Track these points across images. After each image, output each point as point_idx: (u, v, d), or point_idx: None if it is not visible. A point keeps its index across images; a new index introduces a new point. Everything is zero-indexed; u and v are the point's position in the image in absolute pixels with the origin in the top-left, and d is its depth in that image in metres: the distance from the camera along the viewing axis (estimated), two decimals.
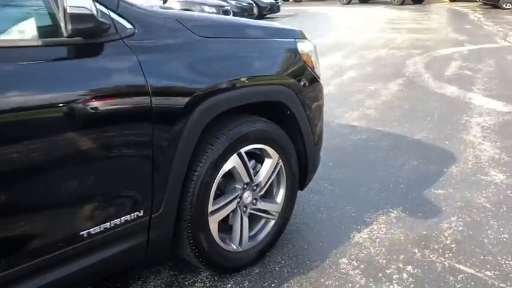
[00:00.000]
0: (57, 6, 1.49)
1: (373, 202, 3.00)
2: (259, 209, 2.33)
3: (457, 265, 2.34)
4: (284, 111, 2.32)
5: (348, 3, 26.99)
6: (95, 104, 1.58)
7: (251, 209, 2.29)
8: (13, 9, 1.87)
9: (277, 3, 18.90)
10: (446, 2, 26.65)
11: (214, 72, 1.98)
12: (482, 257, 2.40)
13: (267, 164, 2.29)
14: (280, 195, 2.41)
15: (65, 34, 1.49)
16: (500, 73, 6.96)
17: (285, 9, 21.24)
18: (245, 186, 2.22)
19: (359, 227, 2.71)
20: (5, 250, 1.49)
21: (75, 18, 1.44)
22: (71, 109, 1.52)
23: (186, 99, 1.83)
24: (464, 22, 15.18)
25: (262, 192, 2.32)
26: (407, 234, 2.63)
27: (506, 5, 19.85)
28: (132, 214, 1.77)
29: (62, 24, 1.48)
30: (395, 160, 3.71)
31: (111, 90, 1.63)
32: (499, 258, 2.39)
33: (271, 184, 2.37)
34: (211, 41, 2.02)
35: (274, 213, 2.40)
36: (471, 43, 10.09)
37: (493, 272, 2.28)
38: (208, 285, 2.21)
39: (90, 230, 1.66)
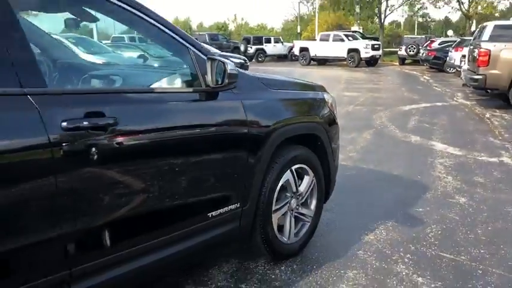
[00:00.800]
0: (209, 68, 2.38)
1: (372, 216, 3.91)
2: (300, 213, 3.20)
3: (441, 253, 3.26)
4: (317, 141, 3.25)
5: (308, 64, 28.93)
6: (221, 128, 2.47)
7: (295, 212, 3.16)
8: (164, 69, 2.76)
9: (246, 63, 20.31)
10: (397, 65, 29.19)
11: (281, 112, 2.92)
12: (457, 248, 3.34)
13: (306, 180, 3.19)
14: (313, 204, 3.30)
15: (211, 84, 2.39)
16: (452, 126, 8.26)
17: (252, 68, 22.71)
18: (292, 194, 3.10)
19: (366, 232, 3.61)
20: (169, 223, 2.31)
21: (231, 76, 2.35)
22: (209, 130, 2.41)
23: (267, 129, 2.74)
24: (416, 83, 17.00)
25: (302, 200, 3.20)
26: (402, 236, 3.55)
27: (450, 70, 22.14)
28: (235, 205, 2.61)
29: (209, 78, 2.38)
30: (382, 188, 4.68)
31: (228, 119, 2.54)
32: (469, 249, 3.33)
33: (307, 195, 3.26)
34: (278, 92, 2.96)
35: (308, 218, 3.27)
36: (425, 101, 11.55)
37: (466, 257, 3.21)
38: (267, 267, 3.02)
39: (213, 212, 2.49)
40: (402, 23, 64.90)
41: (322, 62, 29.43)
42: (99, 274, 2.00)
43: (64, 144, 1.78)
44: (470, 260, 3.16)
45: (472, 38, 21.06)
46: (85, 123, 1.87)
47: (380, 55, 28.49)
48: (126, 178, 2.05)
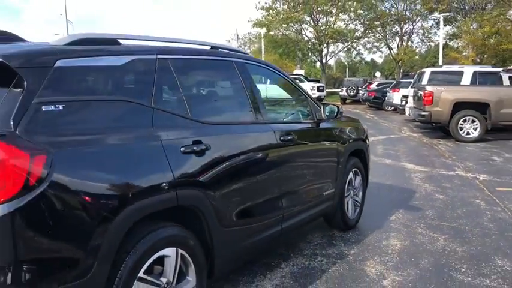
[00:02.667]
0: (322, 111, 4.16)
1: (388, 208, 5.75)
2: (355, 200, 4.98)
3: (441, 223, 5.15)
4: (361, 155, 5.07)
5: None
6: (325, 142, 4.26)
7: (353, 199, 4.94)
8: (289, 109, 4.51)
9: None
10: (339, 104, 32.12)
11: (351, 135, 4.74)
12: (449, 220, 5.25)
13: (358, 178, 4.99)
14: (361, 194, 5.09)
15: (324, 117, 4.18)
16: (411, 152, 10.47)
17: None
18: (352, 187, 4.88)
19: (388, 216, 5.43)
20: (308, 198, 4.01)
21: (339, 113, 4.15)
22: (319, 144, 4.19)
23: (344, 146, 4.54)
24: (364, 120, 19.54)
25: (356, 192, 4.99)
26: (413, 216, 5.41)
27: (388, 108, 25.14)
28: (332, 190, 4.36)
29: (324, 115, 4.16)
30: (385, 193, 6.56)
31: (328, 140, 4.33)
32: (456, 220, 5.25)
33: (358, 188, 5.04)
34: (348, 122, 4.80)
35: (358, 203, 5.06)
36: (379, 134, 13.84)
37: (456, 224, 5.12)
38: (340, 234, 4.74)
39: (325, 193, 4.23)
40: (334, 66, 70.13)
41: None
42: (288, 220, 3.67)
43: (280, 147, 3.50)
44: (458, 225, 5.08)
45: (404, 80, 24.31)
46: (288, 137, 3.60)
47: (324, 96, 31.36)
48: (288, 171, 3.71)
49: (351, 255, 4.21)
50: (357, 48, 41.38)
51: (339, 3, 34.52)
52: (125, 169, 2.35)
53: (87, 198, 2.13)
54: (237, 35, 68.27)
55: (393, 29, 38.24)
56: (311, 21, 36.61)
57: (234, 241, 3.05)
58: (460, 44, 34.79)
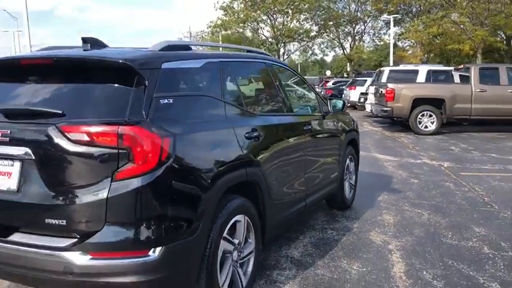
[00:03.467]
0: (328, 105, 4.83)
1: (374, 191, 6.51)
2: (350, 182, 5.70)
3: (421, 201, 5.95)
4: (354, 144, 5.79)
5: None
6: (332, 132, 4.95)
7: (349, 181, 5.65)
8: (301, 102, 5.13)
9: None
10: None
11: (349, 125, 5.44)
12: (427, 198, 6.07)
13: (352, 164, 5.71)
14: (354, 177, 5.82)
15: (330, 111, 4.85)
16: (378, 144, 11.40)
17: None
18: (348, 171, 5.59)
19: (376, 197, 6.19)
20: (321, 179, 4.68)
21: (344, 106, 4.83)
22: (326, 133, 4.87)
23: (345, 135, 5.24)
24: None
25: (350, 175, 5.71)
26: (397, 197, 6.20)
27: None
28: (337, 173, 5.05)
29: (330, 108, 4.84)
30: (366, 178, 7.34)
31: (332, 130, 5.01)
32: (433, 198, 6.08)
33: (352, 172, 5.76)
34: (346, 114, 5.49)
35: (353, 186, 5.77)
36: None
37: (433, 202, 5.95)
38: (341, 213, 5.44)
39: (332, 176, 4.91)
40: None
41: None
42: (310, 197, 4.32)
43: (303, 135, 4.14)
44: (436, 203, 5.90)
45: (360, 78, 25.56)
46: (308, 126, 4.24)
47: None
48: (310, 155, 4.36)
49: (355, 228, 4.91)
50: (312, 48, 42.75)
51: (295, 3, 35.54)
52: (218, 150, 2.93)
53: (196, 171, 2.70)
54: (190, 33, 68.28)
55: (346, 29, 39.82)
56: (268, 21, 37.48)
57: (278, 212, 3.66)
58: (408, 43, 36.77)
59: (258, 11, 34.95)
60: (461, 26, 24.98)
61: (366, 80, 24.78)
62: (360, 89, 23.63)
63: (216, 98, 3.13)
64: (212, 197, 2.77)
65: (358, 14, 38.26)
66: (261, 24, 37.55)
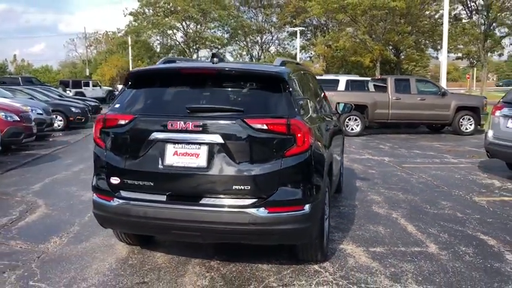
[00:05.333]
0: (340, 106, 6.11)
1: (362, 178, 7.92)
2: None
3: (391, 192, 7.48)
4: (343, 138, 7.14)
5: None
6: (340, 129, 6.24)
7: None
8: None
9: (100, 106, 22.16)
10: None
11: (342, 123, 6.76)
12: (394, 190, 7.62)
13: (342, 155, 7.07)
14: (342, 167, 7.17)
15: (339, 112, 6.14)
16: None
17: None
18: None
19: (362, 183, 7.60)
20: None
21: (351, 109, 6.14)
22: (338, 126, 6.16)
23: (341, 130, 6.57)
24: None
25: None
26: (364, 184, 7.66)
27: None
28: (342, 160, 6.35)
29: (339, 110, 6.12)
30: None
31: (340, 126, 6.31)
32: (409, 184, 7.65)
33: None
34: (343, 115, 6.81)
35: (342, 172, 7.12)
36: None
37: (401, 192, 7.51)
38: (332, 199, 6.74)
39: (342, 161, 6.20)
40: None
41: None
42: (338, 176, 5.55)
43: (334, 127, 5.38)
44: (401, 186, 7.44)
45: None
46: (335, 123, 5.48)
47: None
48: (336, 144, 5.59)
49: (358, 205, 6.21)
50: (223, 55, 44.01)
51: (207, 11, 36.68)
52: (329, 137, 4.05)
53: (322, 152, 3.81)
54: (85, 34, 65.85)
55: (254, 39, 41.87)
56: (181, 27, 38.12)
57: (333, 181, 4.84)
58: (311, 54, 39.81)
59: (170, 17, 35.47)
60: (365, 42, 28.13)
61: None
62: None
63: (317, 98, 4.25)
64: (325, 169, 3.89)
65: (265, 24, 40.55)
66: (174, 30, 38.08)
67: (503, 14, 30.47)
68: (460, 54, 36.72)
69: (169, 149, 3.53)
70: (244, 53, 41.63)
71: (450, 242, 4.74)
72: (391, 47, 30.76)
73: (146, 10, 36.17)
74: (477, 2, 31.03)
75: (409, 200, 6.52)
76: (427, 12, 32.03)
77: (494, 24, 30.68)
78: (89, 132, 15.41)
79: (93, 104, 21.10)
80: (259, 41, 41.31)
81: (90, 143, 12.59)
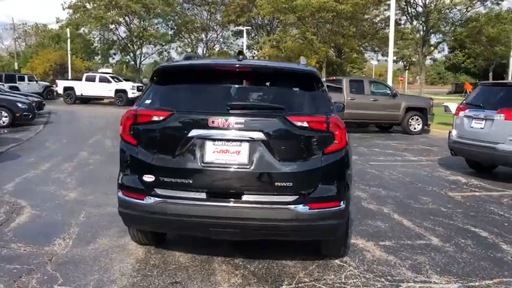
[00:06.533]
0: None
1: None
2: None
3: (372, 188, 7.77)
4: None
5: (73, 103, 30.17)
6: None
7: None
8: None
9: (43, 101, 21.00)
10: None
11: None
12: (374, 186, 7.93)
13: None
14: None
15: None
16: None
17: None
18: None
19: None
20: None
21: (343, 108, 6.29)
22: None
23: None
24: None
25: None
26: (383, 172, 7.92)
27: None
28: None
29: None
30: None
31: None
32: (378, 187, 7.96)
33: None
34: None
35: None
36: None
37: (380, 189, 7.82)
38: None
39: None
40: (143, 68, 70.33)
41: (86, 100, 31.12)
42: None
43: None
44: (378, 183, 7.75)
45: None
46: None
47: None
48: None
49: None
50: (168, 51, 43.37)
51: (151, 7, 35.89)
52: None
53: (351, 150, 3.91)
54: (14, 25, 62.23)
55: (199, 36, 41.51)
56: (124, 22, 37.00)
57: None
58: (255, 54, 40.10)
59: (113, 11, 34.33)
60: (312, 43, 28.80)
61: None
62: None
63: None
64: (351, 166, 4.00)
65: (210, 22, 40.30)
66: (116, 25, 36.85)
67: (439, 22, 32.50)
68: (395, 58, 38.67)
69: (209, 146, 3.48)
70: (189, 50, 41.27)
71: (448, 235, 5.03)
72: (333, 49, 31.77)
73: (87, 4, 34.74)
74: (417, 9, 32.95)
75: (392, 196, 6.80)
76: (367, 17, 33.38)
77: (431, 30, 32.64)
78: (39, 129, 14.65)
79: (36, 99, 19.97)
80: (204, 39, 41.12)
81: (46, 140, 12.02)
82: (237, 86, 3.78)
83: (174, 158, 3.51)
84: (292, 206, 3.44)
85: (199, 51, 41.42)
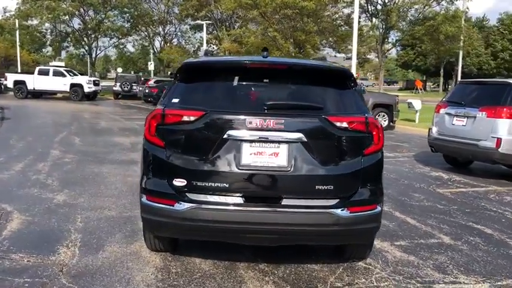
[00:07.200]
0: None
1: None
2: None
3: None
4: None
5: (25, 97, 28.71)
6: None
7: None
8: None
9: None
10: (112, 99, 32.54)
11: None
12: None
13: None
14: None
15: None
16: None
17: None
18: None
19: None
20: None
21: None
22: None
23: None
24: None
25: None
26: None
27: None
28: None
29: None
30: None
31: None
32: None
33: None
34: None
35: None
36: None
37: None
38: None
39: None
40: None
41: (38, 95, 29.71)
42: None
43: None
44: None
45: None
46: None
47: (100, 90, 31.23)
48: None
49: None
50: (124, 45, 42.03)
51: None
52: None
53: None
54: None
55: (156, 30, 40.53)
56: (79, 15, 35.55)
57: None
58: (214, 49, 39.68)
59: (67, 2, 32.84)
60: (275, 39, 28.73)
61: None
62: None
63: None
64: None
65: (167, 15, 39.39)
66: (70, 17, 35.26)
67: (399, 20, 33.34)
68: (350, 55, 39.43)
69: (246, 148, 3.29)
70: (146, 43, 40.26)
71: (456, 232, 5.08)
72: (293, 46, 31.87)
73: None
74: (377, 7, 33.65)
75: (385, 194, 6.78)
76: (327, 13, 33.71)
77: (390, 28, 33.47)
78: None
79: None
80: (162, 32, 40.18)
81: (9, 137, 11.29)
82: (270, 84, 3.59)
83: (208, 160, 3.30)
84: (333, 210, 3.31)
85: (157, 44, 40.60)
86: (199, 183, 3.30)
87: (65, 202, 5.71)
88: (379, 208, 3.53)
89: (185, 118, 3.34)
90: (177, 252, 4.13)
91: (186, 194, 3.32)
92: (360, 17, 31.29)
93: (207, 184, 3.30)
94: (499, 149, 7.70)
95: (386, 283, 3.70)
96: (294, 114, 3.36)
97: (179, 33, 41.75)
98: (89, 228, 4.77)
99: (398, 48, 51.60)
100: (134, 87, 31.85)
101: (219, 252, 4.13)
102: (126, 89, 32.25)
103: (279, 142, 3.29)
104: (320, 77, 3.64)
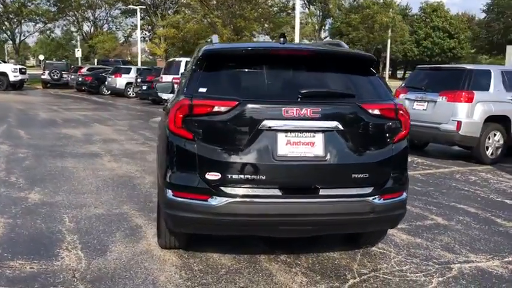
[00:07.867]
0: None
1: None
2: None
3: None
4: None
5: None
6: None
7: None
8: None
9: None
10: (41, 88, 30.60)
11: None
12: None
13: None
14: None
15: None
16: None
17: None
18: None
19: None
20: None
21: None
22: None
23: None
24: (98, 104, 20.31)
25: None
26: None
27: (106, 92, 25.94)
28: None
29: None
30: None
31: None
32: None
33: None
34: None
35: None
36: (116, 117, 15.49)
37: None
38: None
39: None
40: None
41: None
42: None
43: None
44: None
45: (124, 66, 25.91)
46: None
47: (27, 78, 29.20)
48: None
49: None
50: (52, 30, 39.39)
51: None
52: None
53: None
54: None
55: (85, 15, 38.47)
56: None
57: None
58: (146, 35, 38.45)
59: None
60: (214, 25, 28.31)
61: (130, 68, 25.43)
62: (126, 77, 24.22)
63: None
64: None
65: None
66: None
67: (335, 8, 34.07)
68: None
69: (281, 138, 3.18)
70: (74, 29, 38.05)
71: (445, 213, 5.29)
72: (232, 32, 31.67)
73: None
74: None
75: None
76: (261, 0, 33.73)
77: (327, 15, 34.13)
78: None
79: None
80: (91, 18, 38.15)
81: None
82: (299, 71, 3.48)
83: (243, 152, 3.15)
84: (369, 198, 3.30)
85: (86, 29, 38.48)
86: (234, 176, 3.15)
87: (41, 201, 5.27)
88: (405, 194, 3.57)
89: (216, 108, 3.16)
90: (190, 248, 3.95)
91: (221, 188, 3.15)
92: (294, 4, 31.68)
93: (242, 177, 3.15)
94: (459, 132, 8.13)
95: (407, 266, 3.77)
96: (329, 102, 3.29)
97: (110, 19, 39.96)
98: (82, 228, 4.44)
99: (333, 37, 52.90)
100: (64, 76, 30.14)
101: (233, 245, 4.00)
102: (55, 77, 30.40)
103: (315, 131, 3.21)
104: (348, 63, 3.58)
